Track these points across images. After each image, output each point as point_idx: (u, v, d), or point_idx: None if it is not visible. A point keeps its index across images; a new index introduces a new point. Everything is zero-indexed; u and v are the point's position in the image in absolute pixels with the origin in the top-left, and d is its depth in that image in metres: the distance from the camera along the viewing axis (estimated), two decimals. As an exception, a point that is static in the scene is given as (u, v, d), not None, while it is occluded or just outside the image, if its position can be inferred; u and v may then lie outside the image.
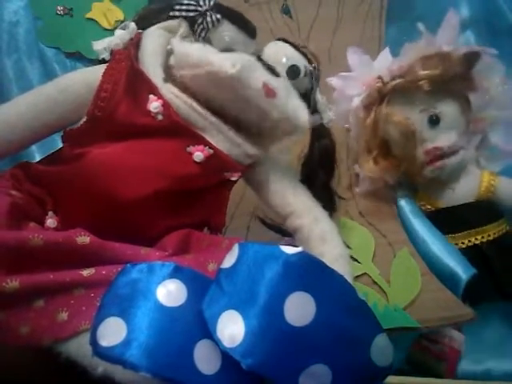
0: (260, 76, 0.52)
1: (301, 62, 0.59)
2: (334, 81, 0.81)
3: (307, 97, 0.60)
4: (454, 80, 0.75)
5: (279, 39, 0.61)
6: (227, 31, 0.55)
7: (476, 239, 0.77)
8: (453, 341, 0.75)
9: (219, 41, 0.55)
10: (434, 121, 0.77)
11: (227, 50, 0.54)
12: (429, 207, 0.81)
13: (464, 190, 0.79)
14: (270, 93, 0.52)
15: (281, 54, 0.58)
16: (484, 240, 0.77)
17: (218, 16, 0.54)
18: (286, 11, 0.94)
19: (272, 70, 0.54)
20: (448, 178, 0.79)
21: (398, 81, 0.76)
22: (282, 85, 0.54)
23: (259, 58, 0.54)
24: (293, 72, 0.58)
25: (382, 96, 0.77)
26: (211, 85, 0.51)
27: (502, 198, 0.78)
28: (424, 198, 0.82)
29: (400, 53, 0.79)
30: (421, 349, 0.75)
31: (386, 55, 0.81)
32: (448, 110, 0.77)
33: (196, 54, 0.52)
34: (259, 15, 0.93)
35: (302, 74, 0.59)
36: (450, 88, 0.76)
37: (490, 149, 0.81)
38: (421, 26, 0.77)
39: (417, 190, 0.83)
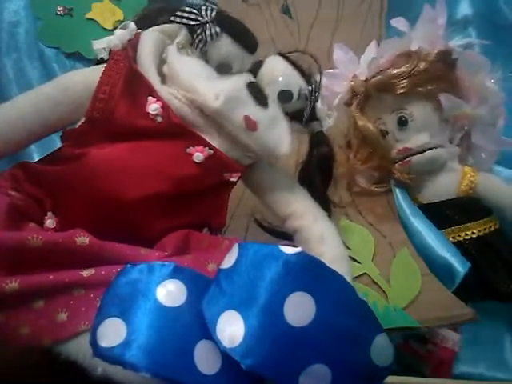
0: (243, 108, 0.53)
1: (296, 85, 0.58)
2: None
3: (300, 114, 0.59)
4: (427, 80, 0.75)
5: (280, 54, 0.60)
6: (225, 46, 0.54)
7: (459, 236, 0.77)
8: (446, 341, 0.75)
9: (216, 54, 0.54)
10: (403, 122, 0.77)
11: (223, 64, 0.54)
12: (412, 202, 0.81)
13: (443, 187, 0.79)
14: (250, 126, 0.53)
15: (277, 73, 0.58)
16: (467, 237, 0.76)
17: (218, 30, 0.53)
18: (286, 11, 0.94)
19: (259, 98, 0.54)
20: (425, 174, 0.79)
21: (370, 81, 0.77)
22: (265, 116, 0.54)
23: (249, 84, 0.54)
24: (284, 97, 0.57)
25: (355, 95, 0.78)
26: (196, 107, 0.52)
27: (481, 195, 0.78)
28: (408, 194, 0.82)
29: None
30: (405, 349, 0.75)
31: (371, 51, 0.81)
32: (418, 110, 0.77)
33: (185, 75, 0.53)
34: (259, 15, 0.92)
35: (295, 98, 0.58)
36: (423, 88, 0.76)
37: (475, 145, 0.80)
38: (398, 22, 0.77)
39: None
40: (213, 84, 0.53)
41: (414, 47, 0.76)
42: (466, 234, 0.77)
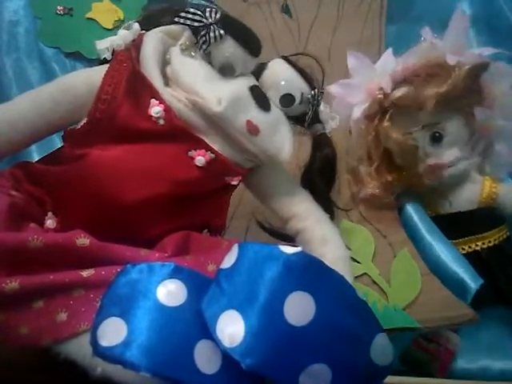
0: (245, 113, 0.53)
1: (298, 89, 0.58)
2: (333, 88, 0.78)
3: (303, 118, 0.59)
4: (459, 96, 0.74)
5: (283, 57, 0.60)
6: (229, 48, 0.54)
7: (476, 245, 0.77)
8: (448, 342, 0.75)
9: (220, 56, 0.54)
10: (437, 138, 0.76)
11: (226, 66, 0.54)
12: (429, 212, 0.81)
13: (465, 197, 0.79)
14: (252, 130, 0.53)
15: (280, 77, 0.58)
16: (484, 246, 0.76)
17: (222, 32, 0.53)
18: (286, 11, 0.94)
19: (262, 103, 0.54)
20: (449, 186, 0.79)
21: (400, 94, 0.74)
22: (267, 120, 0.55)
23: (252, 88, 0.54)
24: (286, 101, 0.57)
25: (383, 108, 0.76)
26: (198, 111, 0.52)
27: (503, 205, 0.78)
28: (425, 204, 0.81)
29: (401, 53, 0.77)
30: (418, 347, 0.75)
31: (388, 57, 0.79)
32: (451, 126, 0.76)
33: (188, 78, 0.53)
34: (259, 15, 0.92)
35: (297, 102, 0.58)
36: (454, 103, 0.75)
37: (496, 155, 0.80)
38: (425, 29, 0.75)
39: (419, 195, 0.82)
40: (215, 87, 0.53)
41: (451, 61, 0.73)
42: (483, 243, 0.77)
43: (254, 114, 0.53)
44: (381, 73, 0.77)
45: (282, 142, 0.56)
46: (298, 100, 0.58)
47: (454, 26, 0.75)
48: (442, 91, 0.72)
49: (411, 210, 0.80)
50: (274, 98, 0.57)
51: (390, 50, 0.80)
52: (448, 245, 0.76)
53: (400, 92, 0.74)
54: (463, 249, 0.77)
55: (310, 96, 0.58)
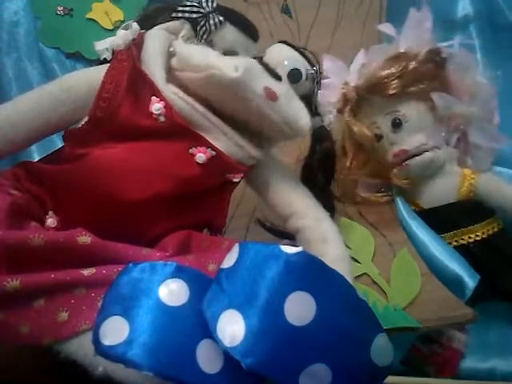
0: (262, 79, 0.52)
1: (302, 65, 0.59)
2: None
3: (308, 99, 0.59)
4: (417, 80, 0.75)
5: (280, 41, 0.60)
6: (229, 34, 0.55)
7: (462, 239, 0.76)
8: (452, 341, 0.75)
9: (221, 43, 0.55)
10: (397, 124, 0.77)
11: (229, 52, 0.55)
12: (413, 208, 0.81)
13: (443, 191, 0.79)
14: (271, 96, 0.52)
15: (282, 56, 0.58)
16: (471, 240, 0.76)
17: (221, 18, 0.54)
18: (286, 11, 0.94)
19: (274, 74, 0.54)
20: (423, 178, 0.79)
21: (359, 85, 0.76)
22: (283, 88, 0.54)
23: (261, 61, 0.54)
24: (294, 75, 0.58)
25: (347, 102, 0.78)
26: (213, 87, 0.52)
27: (482, 197, 0.77)
28: (408, 199, 0.81)
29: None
30: (416, 353, 0.75)
31: (360, 58, 0.80)
32: (411, 111, 0.77)
33: (199, 56, 0.52)
34: (259, 15, 0.92)
35: (304, 78, 0.58)
36: (414, 89, 0.75)
37: (473, 147, 0.80)
38: (386, 25, 0.78)
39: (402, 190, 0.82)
40: (227, 59, 0.52)
41: (401, 48, 0.76)
42: (470, 237, 0.76)
43: (270, 82, 0.53)
44: (352, 71, 0.79)
45: (300, 110, 0.55)
46: (304, 75, 0.58)
47: (409, 21, 0.77)
48: (397, 71, 0.74)
49: (400, 203, 0.80)
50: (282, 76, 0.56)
51: (362, 51, 0.81)
52: (440, 241, 0.76)
53: (361, 81, 0.77)
54: (450, 243, 0.77)
55: (313, 71, 0.59)
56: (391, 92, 0.75)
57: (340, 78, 0.80)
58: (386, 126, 0.78)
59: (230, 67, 0.50)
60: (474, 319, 0.68)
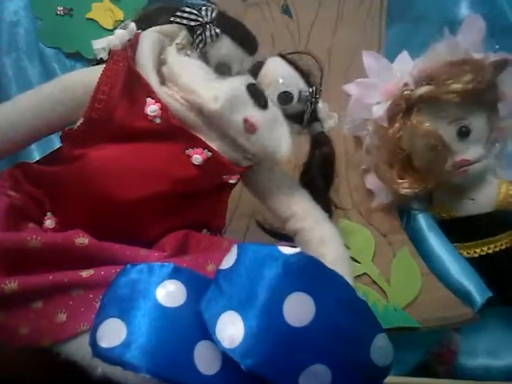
0: (243, 109, 0.52)
1: (296, 86, 0.57)
2: (350, 87, 0.77)
3: (301, 116, 0.59)
4: (484, 90, 0.73)
5: (280, 54, 0.59)
6: (225, 47, 0.54)
7: (489, 248, 0.76)
8: (451, 342, 0.75)
9: (216, 55, 0.54)
10: (464, 133, 0.74)
11: (223, 65, 0.54)
12: (444, 215, 0.80)
13: (482, 200, 0.78)
14: (250, 128, 0.53)
15: (278, 74, 0.57)
16: (497, 249, 0.76)
17: (218, 31, 0.53)
18: (286, 11, 0.94)
19: (260, 100, 0.54)
20: (467, 188, 0.78)
21: (426, 90, 0.73)
22: (266, 117, 0.54)
23: (249, 86, 0.54)
24: (284, 98, 0.57)
25: (408, 105, 0.74)
26: (195, 109, 0.52)
27: None
28: (439, 207, 0.81)
29: (403, 53, 0.77)
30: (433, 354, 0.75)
31: (405, 58, 0.78)
32: (477, 121, 0.75)
33: (184, 78, 0.52)
34: (258, 15, 0.92)
35: (295, 100, 0.57)
36: (479, 98, 0.74)
37: (506, 157, 0.80)
38: (445, 31, 0.74)
39: (431, 199, 0.81)
40: (212, 85, 0.52)
41: (476, 56, 0.73)
42: (495, 247, 0.76)
43: (252, 112, 0.53)
44: (400, 72, 0.76)
45: (280, 140, 0.55)
46: (295, 98, 0.57)
47: (468, 25, 0.75)
48: (467, 85, 0.71)
49: (421, 217, 0.79)
50: (271, 96, 0.56)
51: (405, 52, 0.78)
52: (457, 256, 0.75)
53: (425, 88, 0.73)
54: (475, 252, 0.77)
55: (307, 94, 0.58)
56: (459, 104, 0.72)
57: (384, 78, 0.76)
58: (449, 134, 0.74)
59: (211, 97, 0.51)
60: (474, 319, 0.68)
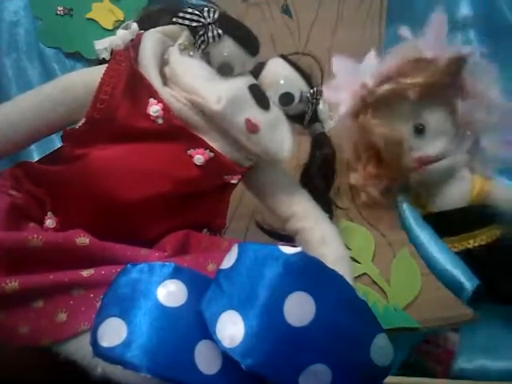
0: (245, 110, 0.53)
1: (297, 87, 0.58)
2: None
3: (302, 117, 0.59)
4: (441, 87, 0.74)
5: (282, 56, 0.59)
6: (227, 47, 0.54)
7: (468, 243, 0.77)
8: (447, 342, 0.75)
9: (218, 56, 0.54)
10: (420, 130, 0.77)
11: (225, 65, 0.54)
12: (421, 211, 0.81)
13: (455, 195, 0.79)
14: (252, 129, 0.53)
15: (279, 75, 0.57)
16: (476, 244, 0.77)
17: (220, 31, 0.53)
18: (286, 11, 0.94)
19: (262, 101, 0.54)
20: (438, 183, 0.79)
21: (382, 90, 0.75)
22: (268, 117, 0.54)
23: (251, 87, 0.54)
24: (286, 99, 0.57)
25: (366, 104, 0.76)
26: (197, 110, 0.52)
27: (493, 203, 0.77)
28: (417, 202, 0.82)
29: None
30: (420, 352, 0.75)
31: (370, 58, 0.80)
32: (434, 117, 0.77)
33: (186, 79, 0.53)
34: (258, 15, 0.92)
35: (297, 101, 0.58)
36: (436, 95, 0.75)
37: (481, 152, 0.80)
38: (403, 29, 0.76)
39: (412, 194, 0.82)
40: (214, 86, 0.53)
41: (428, 55, 0.74)
42: (475, 242, 0.77)
43: (254, 113, 0.53)
44: (363, 72, 0.78)
45: (282, 140, 0.56)
46: (297, 99, 0.58)
47: (432, 25, 0.76)
48: (422, 81, 0.73)
49: (407, 209, 0.80)
50: (273, 97, 0.57)
51: (372, 52, 0.81)
52: (443, 246, 0.76)
53: (383, 88, 0.75)
54: (455, 247, 0.78)
55: (308, 95, 0.58)
56: (416, 98, 0.74)
57: (349, 78, 0.78)
58: (406, 131, 0.77)
59: (213, 98, 0.51)
60: (474, 319, 0.69)
